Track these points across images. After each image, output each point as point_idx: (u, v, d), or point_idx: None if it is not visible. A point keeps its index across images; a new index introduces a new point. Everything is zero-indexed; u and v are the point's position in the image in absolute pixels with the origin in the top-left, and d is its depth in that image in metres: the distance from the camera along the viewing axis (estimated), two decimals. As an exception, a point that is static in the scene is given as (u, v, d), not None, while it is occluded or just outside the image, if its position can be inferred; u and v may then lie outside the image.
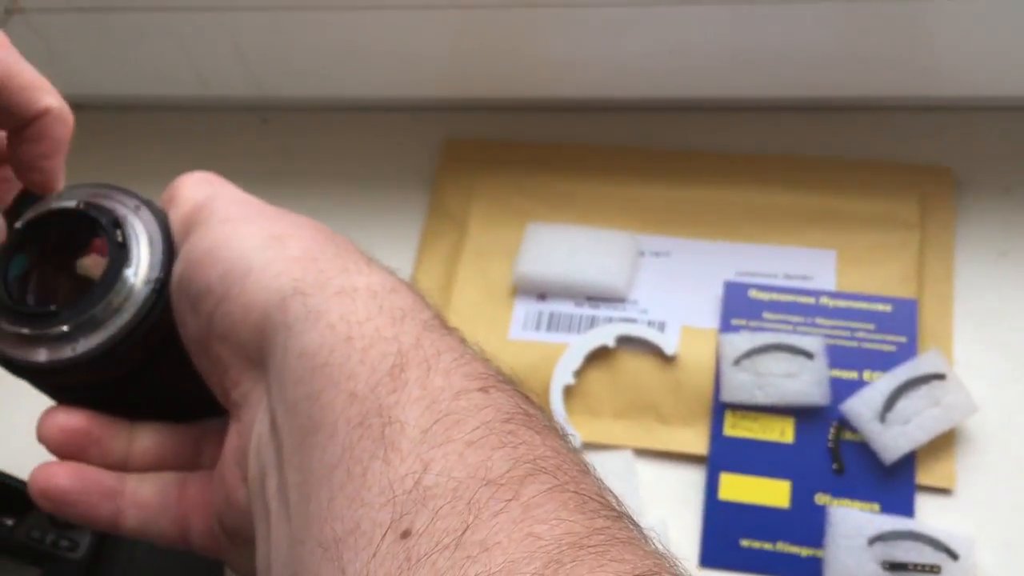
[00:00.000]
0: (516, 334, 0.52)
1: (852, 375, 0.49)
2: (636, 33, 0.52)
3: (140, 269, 0.35)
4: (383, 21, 0.54)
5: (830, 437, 0.47)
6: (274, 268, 0.30)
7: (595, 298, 0.52)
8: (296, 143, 0.62)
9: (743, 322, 0.50)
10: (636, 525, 0.23)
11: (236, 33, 0.56)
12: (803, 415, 0.48)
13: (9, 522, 0.41)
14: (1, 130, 0.35)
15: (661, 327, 0.51)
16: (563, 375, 0.50)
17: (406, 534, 0.22)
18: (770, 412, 0.48)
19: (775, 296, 0.51)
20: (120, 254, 0.35)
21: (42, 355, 0.34)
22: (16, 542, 0.41)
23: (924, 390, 0.46)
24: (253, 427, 0.30)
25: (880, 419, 0.46)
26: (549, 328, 0.52)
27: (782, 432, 0.48)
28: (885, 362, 0.48)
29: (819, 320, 0.50)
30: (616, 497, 0.24)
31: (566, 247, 0.53)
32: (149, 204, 0.37)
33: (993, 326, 0.50)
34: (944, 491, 0.46)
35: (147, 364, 0.37)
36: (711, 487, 0.47)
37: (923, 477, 0.46)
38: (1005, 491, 0.46)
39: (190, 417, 0.41)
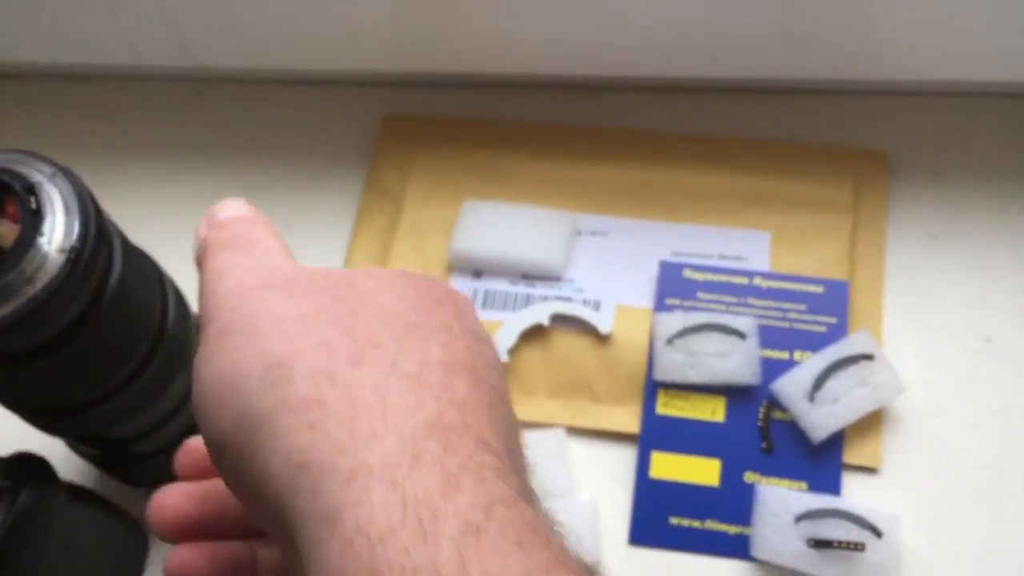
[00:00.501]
0: (451, 312, 0.51)
1: (783, 355, 0.49)
2: (576, 10, 0.52)
3: (55, 237, 0.34)
4: (320, -8, 0.53)
5: (760, 416, 0.48)
6: (281, 420, 0.24)
7: (531, 276, 0.52)
8: (231, 116, 0.60)
9: (677, 302, 0.50)
10: None
11: None
12: (734, 394, 0.48)
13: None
14: None
15: (596, 306, 0.51)
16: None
17: None
18: (702, 391, 0.48)
19: (709, 276, 0.51)
20: (33, 221, 0.34)
21: None
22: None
23: (853, 370, 0.47)
24: None
25: (809, 399, 0.46)
26: (484, 305, 0.51)
27: (713, 411, 0.48)
28: (816, 342, 0.49)
29: (752, 300, 0.50)
30: None
31: (503, 225, 0.52)
32: (67, 172, 0.36)
33: (922, 308, 0.50)
34: (870, 470, 0.47)
35: (63, 337, 0.36)
36: (642, 465, 0.48)
37: (850, 456, 0.47)
38: (930, 471, 0.47)
39: (113, 399, 0.41)
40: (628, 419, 0.49)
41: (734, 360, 0.48)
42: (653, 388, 0.49)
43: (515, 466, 0.25)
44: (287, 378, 0.24)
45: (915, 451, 0.47)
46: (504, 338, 0.50)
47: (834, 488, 0.46)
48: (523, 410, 0.49)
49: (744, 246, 0.52)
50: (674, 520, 0.46)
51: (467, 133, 0.57)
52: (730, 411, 0.48)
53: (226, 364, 0.26)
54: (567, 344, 0.50)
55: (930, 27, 0.51)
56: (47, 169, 0.35)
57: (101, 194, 0.37)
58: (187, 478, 0.32)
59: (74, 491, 0.42)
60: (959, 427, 0.48)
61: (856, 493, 0.46)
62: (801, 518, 0.44)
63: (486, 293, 0.52)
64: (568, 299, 0.51)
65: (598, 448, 0.49)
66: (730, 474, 0.47)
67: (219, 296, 0.28)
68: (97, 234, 0.35)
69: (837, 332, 0.49)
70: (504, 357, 0.50)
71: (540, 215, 0.53)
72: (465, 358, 0.26)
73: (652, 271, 0.51)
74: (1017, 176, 0.53)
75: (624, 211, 0.53)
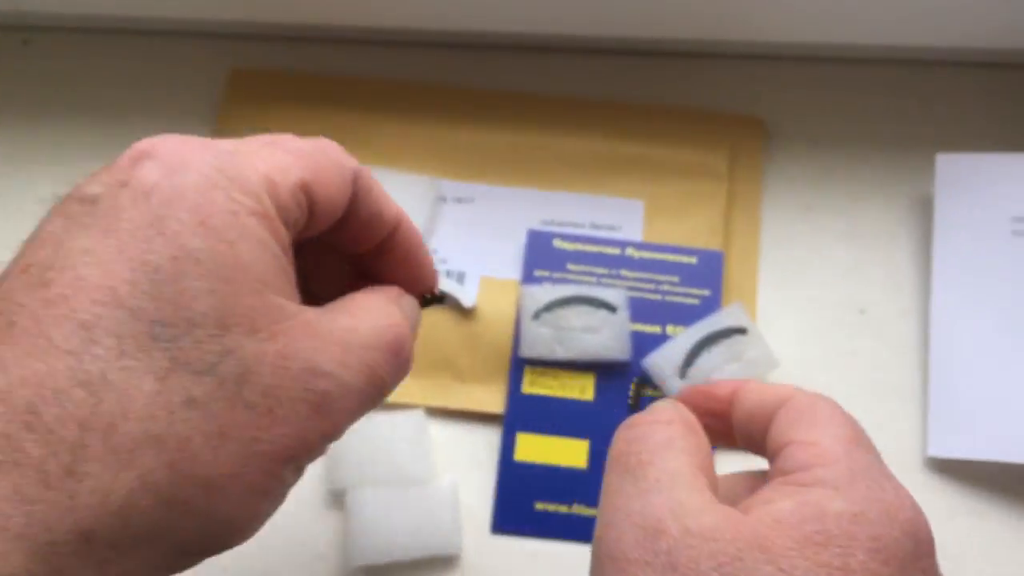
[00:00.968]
0: (303, 284, 0.47)
1: (655, 329, 0.47)
2: (439, -41, 0.48)
3: None
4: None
5: (631, 394, 0.45)
6: None
7: (390, 246, 0.48)
8: (62, 68, 0.54)
9: (546, 273, 0.47)
10: None
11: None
12: (604, 371, 0.46)
13: None
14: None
15: (460, 278, 0.48)
16: (352, 329, 0.46)
17: None
18: (570, 368, 0.46)
19: (579, 246, 0.48)
20: None
21: None
22: None
23: (725, 345, 0.45)
24: None
25: (681, 375, 0.44)
26: (339, 278, 0.47)
27: (582, 389, 0.45)
28: (689, 316, 0.47)
29: (624, 272, 0.48)
30: None
31: (359, 190, 0.48)
32: None
33: (796, 280, 0.49)
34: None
35: None
36: (506, 448, 0.45)
37: (722, 434, 0.45)
38: (802, 448, 0.45)
39: None
40: (492, 398, 0.46)
41: (604, 335, 0.45)
42: (519, 365, 0.46)
43: None
44: None
45: (788, 428, 0.45)
46: (360, 313, 0.46)
47: (705, 468, 0.44)
48: (378, 390, 0.46)
49: (617, 215, 0.50)
50: (540, 505, 0.44)
51: (323, 91, 0.52)
52: (600, 389, 0.46)
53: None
54: (428, 319, 0.47)
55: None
56: None
57: None
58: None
59: None
60: (832, 402, 0.46)
61: (728, 471, 0.44)
62: (671, 501, 0.42)
63: (341, 264, 0.48)
64: (430, 270, 0.47)
65: (460, 430, 0.46)
66: (599, 456, 0.44)
67: (598, 557, 0.27)
68: None
69: (711, 305, 0.47)
70: (360, 333, 0.46)
71: (401, 180, 0.49)
72: None
73: (520, 240, 0.48)
74: (890, 144, 0.51)
75: (491, 177, 0.50)
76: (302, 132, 0.51)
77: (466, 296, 0.47)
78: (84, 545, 0.22)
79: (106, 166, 0.26)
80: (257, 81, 0.53)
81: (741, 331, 0.45)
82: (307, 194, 0.27)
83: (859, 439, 0.28)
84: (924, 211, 0.50)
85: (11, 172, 0.52)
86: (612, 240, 0.48)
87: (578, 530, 0.43)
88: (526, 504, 0.44)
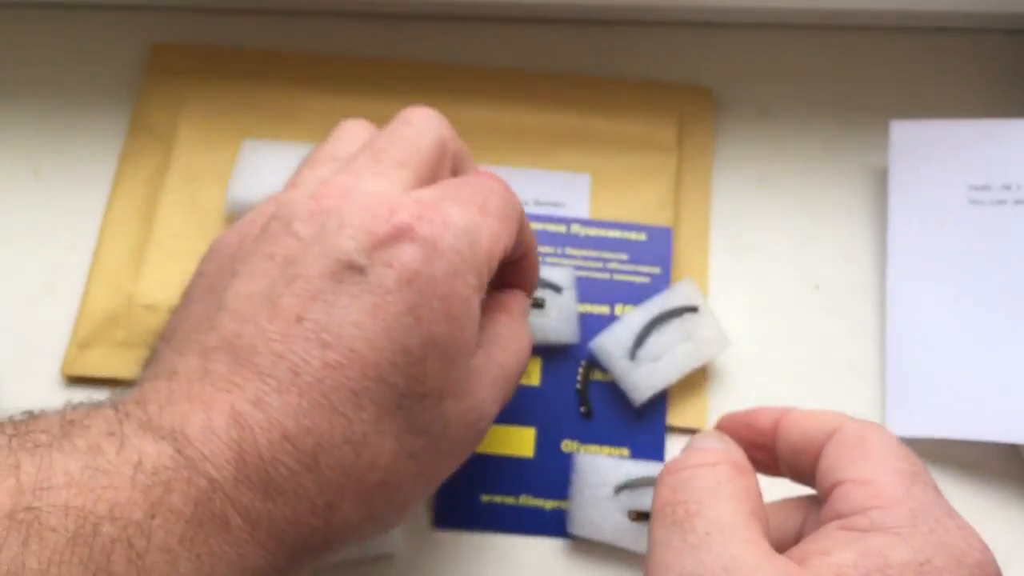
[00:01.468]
0: (230, 270, 0.44)
1: (604, 310, 0.45)
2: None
3: None
4: None
5: (579, 378, 0.43)
6: None
7: (323, 228, 0.45)
8: (-31, 45, 0.51)
9: (488, 253, 0.45)
10: None
11: None
12: (551, 355, 0.44)
13: None
14: None
15: (397, 260, 0.45)
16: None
17: None
18: (515, 352, 0.43)
19: (523, 224, 0.46)
20: None
21: None
22: None
23: (676, 324, 0.43)
24: None
25: (630, 356, 0.42)
26: (268, 262, 0.45)
27: (528, 374, 0.43)
28: (639, 294, 0.45)
29: (570, 250, 0.45)
30: None
31: (288, 168, 0.45)
32: None
33: (749, 256, 0.47)
34: (696, 432, 0.43)
35: None
36: (449, 438, 0.42)
37: (674, 418, 0.43)
38: (758, 429, 0.43)
39: None
40: (433, 386, 0.43)
41: (550, 317, 0.43)
42: (461, 351, 0.43)
43: None
44: None
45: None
46: (291, 299, 0.43)
47: (658, 454, 0.42)
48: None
49: (561, 191, 0.47)
50: (485, 497, 0.42)
51: (246, 65, 0.49)
52: (546, 373, 0.43)
53: None
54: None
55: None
56: None
57: None
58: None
59: None
60: (787, 381, 0.44)
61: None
62: (621, 489, 0.40)
63: (270, 248, 0.45)
64: (365, 253, 0.45)
65: (400, 420, 0.43)
66: (546, 443, 0.42)
67: None
68: None
69: (661, 283, 0.45)
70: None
71: (333, 158, 0.46)
72: None
73: (460, 220, 0.46)
74: (842, 112, 0.50)
75: (429, 153, 0.48)
76: (226, 109, 0.48)
77: (404, 279, 0.44)
78: (322, 551, 0.29)
79: (366, 226, 0.29)
80: (178, 56, 0.50)
81: (692, 309, 0.43)
82: (504, 252, 0.32)
83: (917, 474, 0.27)
84: (879, 181, 0.48)
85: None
86: (557, 217, 0.46)
87: (526, 522, 0.41)
88: (470, 497, 0.41)
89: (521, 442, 0.42)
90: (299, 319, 0.28)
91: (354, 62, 0.50)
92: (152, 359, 0.30)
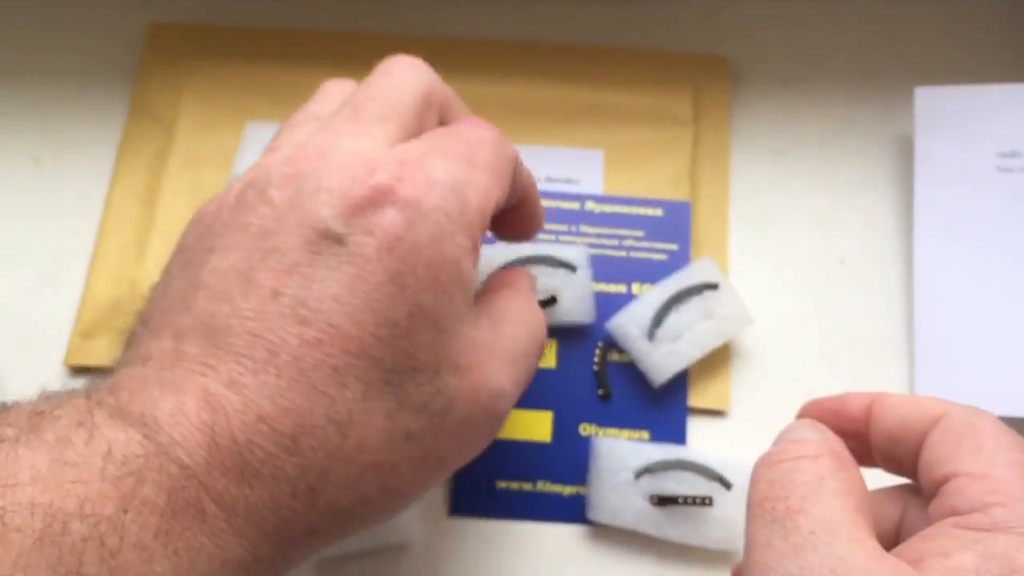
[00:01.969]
0: (235, 255, 0.43)
1: (620, 288, 0.43)
2: None
3: None
4: None
5: (596, 359, 0.42)
6: None
7: (329, 210, 0.44)
8: (-35, 30, 0.50)
9: (500, 233, 0.44)
10: None
11: None
12: (567, 336, 0.42)
13: None
14: None
15: (407, 241, 0.44)
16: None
17: None
18: (529, 334, 0.42)
19: (535, 202, 0.44)
20: None
21: None
22: None
23: (695, 302, 0.41)
24: None
25: (649, 336, 0.41)
26: (274, 246, 0.43)
27: (544, 356, 0.42)
28: (656, 272, 0.43)
29: (584, 228, 0.44)
30: None
31: (292, 150, 0.44)
32: None
33: (769, 231, 0.45)
34: (718, 413, 0.42)
35: None
36: (463, 423, 0.41)
37: (695, 399, 0.42)
38: (782, 411, 0.42)
39: None
40: (446, 370, 0.42)
41: (565, 297, 0.42)
42: (473, 333, 0.42)
43: None
44: None
45: (767, 390, 0.42)
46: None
47: (679, 436, 0.41)
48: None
49: (574, 167, 0.46)
50: (502, 484, 0.40)
51: (247, 43, 0.48)
52: (562, 355, 0.42)
53: None
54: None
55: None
56: None
57: None
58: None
59: None
60: (813, 359, 0.43)
61: (703, 440, 0.41)
62: (642, 473, 0.38)
63: (276, 231, 0.44)
64: (374, 235, 0.44)
65: (413, 406, 0.42)
66: (563, 427, 0.41)
67: None
68: None
69: (679, 260, 0.44)
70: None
71: (339, 138, 0.45)
72: None
73: (471, 199, 0.44)
74: (865, 80, 0.48)
75: (437, 131, 0.46)
76: (228, 90, 0.47)
77: (414, 261, 0.43)
78: (307, 537, 0.27)
79: (343, 190, 0.27)
80: (178, 36, 0.48)
81: (712, 287, 0.41)
82: (496, 206, 0.30)
83: None
84: (903, 151, 0.46)
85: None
86: (570, 194, 0.45)
87: (544, 509, 0.40)
88: (487, 484, 0.40)
89: (538, 426, 0.41)
90: (275, 295, 0.27)
91: (357, 38, 0.48)
92: (130, 342, 0.29)
